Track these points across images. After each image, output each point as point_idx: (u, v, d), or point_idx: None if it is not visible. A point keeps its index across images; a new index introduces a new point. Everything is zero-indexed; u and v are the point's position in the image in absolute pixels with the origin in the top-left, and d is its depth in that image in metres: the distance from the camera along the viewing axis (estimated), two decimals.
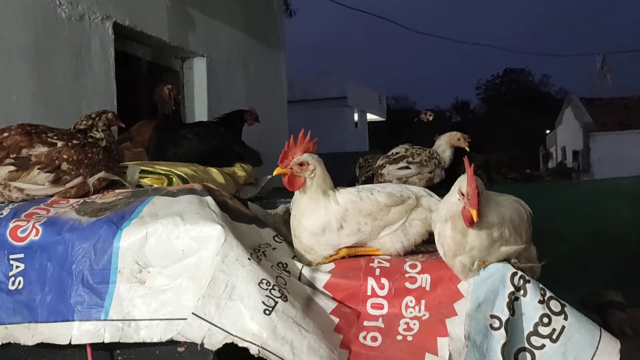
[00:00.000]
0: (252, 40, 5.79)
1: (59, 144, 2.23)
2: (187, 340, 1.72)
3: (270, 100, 6.22)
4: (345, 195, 2.04)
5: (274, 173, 2.03)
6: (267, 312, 1.69)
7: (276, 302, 1.72)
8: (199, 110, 4.99)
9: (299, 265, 1.98)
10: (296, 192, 2.06)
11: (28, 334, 1.88)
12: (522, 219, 1.88)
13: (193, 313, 1.71)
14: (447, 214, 1.82)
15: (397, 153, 2.97)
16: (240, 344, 1.66)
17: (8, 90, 3.05)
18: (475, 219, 1.72)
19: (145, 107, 4.41)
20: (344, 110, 25.92)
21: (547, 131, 42.47)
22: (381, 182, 2.97)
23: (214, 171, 2.94)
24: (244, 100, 5.58)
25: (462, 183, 1.76)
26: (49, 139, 2.23)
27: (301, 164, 2.00)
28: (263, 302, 1.71)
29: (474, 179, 1.73)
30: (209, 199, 2.06)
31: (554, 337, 1.79)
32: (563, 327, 1.80)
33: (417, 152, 2.97)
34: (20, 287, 1.94)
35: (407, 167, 2.91)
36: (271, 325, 1.67)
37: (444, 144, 3.00)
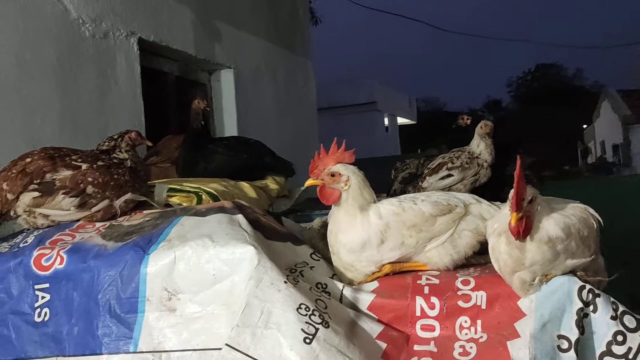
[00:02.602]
0: (279, 49, 5.70)
1: (84, 166, 2.13)
2: None
3: (299, 110, 6.11)
4: (386, 206, 1.87)
5: (305, 184, 1.89)
6: (308, 340, 1.54)
7: (317, 329, 1.56)
8: (228, 122, 4.91)
9: (340, 285, 1.82)
10: (333, 206, 1.91)
11: None
12: (590, 229, 1.68)
13: (227, 344, 1.57)
14: (500, 227, 1.64)
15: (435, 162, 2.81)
16: None
17: (32, 112, 3.00)
18: (512, 222, 1.53)
19: (174, 123, 4.34)
20: (373, 115, 25.76)
21: (584, 126, 41.42)
22: None
23: (245, 185, 2.83)
24: (272, 110, 5.48)
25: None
26: (72, 162, 2.13)
27: (332, 175, 1.84)
28: (303, 330, 1.55)
29: (519, 179, 1.54)
30: (240, 217, 1.92)
31: (630, 356, 1.59)
32: None
33: (455, 155, 2.79)
34: (46, 318, 1.83)
35: (449, 175, 2.73)
36: (312, 356, 1.52)
37: (476, 138, 2.81)
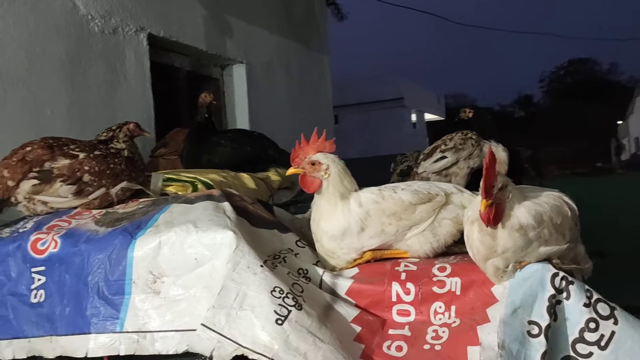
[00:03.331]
0: (293, 44, 5.73)
1: (81, 155, 2.22)
2: (196, 352, 1.64)
3: (314, 105, 6.14)
4: (367, 195, 1.91)
5: (287, 173, 1.94)
6: (280, 322, 1.59)
7: (289, 311, 1.61)
8: (240, 116, 4.98)
9: (320, 271, 1.86)
10: (315, 194, 1.95)
11: (49, 347, 1.87)
12: (564, 217, 1.69)
13: (202, 324, 1.63)
14: (473, 215, 1.67)
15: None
16: (251, 356, 1.57)
17: (42, 105, 3.11)
18: (482, 209, 1.55)
19: (186, 117, 4.42)
20: (400, 111, 25.65)
21: (618, 122, 40.45)
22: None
23: (245, 177, 2.88)
24: (285, 105, 5.53)
25: None
26: (70, 151, 2.22)
27: (313, 164, 1.89)
28: (275, 312, 1.61)
29: (488, 167, 1.56)
30: (226, 204, 1.98)
31: (603, 344, 1.60)
32: (613, 333, 1.60)
33: (448, 137, 2.79)
34: (42, 300, 1.93)
35: (442, 157, 2.73)
36: (283, 336, 1.57)
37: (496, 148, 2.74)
